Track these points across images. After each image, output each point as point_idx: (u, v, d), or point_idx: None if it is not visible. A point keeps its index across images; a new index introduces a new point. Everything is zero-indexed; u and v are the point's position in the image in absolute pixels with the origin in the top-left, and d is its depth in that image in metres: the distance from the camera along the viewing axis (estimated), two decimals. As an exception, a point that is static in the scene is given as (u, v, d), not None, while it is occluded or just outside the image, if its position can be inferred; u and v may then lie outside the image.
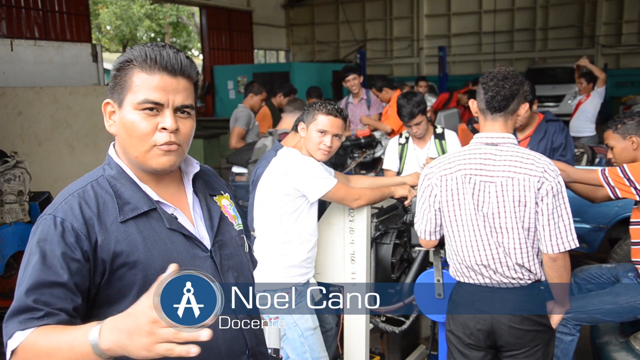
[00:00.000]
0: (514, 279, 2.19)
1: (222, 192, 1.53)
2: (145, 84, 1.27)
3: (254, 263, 1.69)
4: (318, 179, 2.58)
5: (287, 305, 2.53)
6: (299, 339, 2.56)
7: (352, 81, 6.38)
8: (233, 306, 1.38)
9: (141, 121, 1.27)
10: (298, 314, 2.58)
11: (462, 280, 2.29)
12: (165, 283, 1.01)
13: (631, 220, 2.83)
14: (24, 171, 4.22)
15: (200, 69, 18.62)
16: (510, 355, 2.24)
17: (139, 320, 1.00)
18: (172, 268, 1.03)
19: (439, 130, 3.91)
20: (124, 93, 1.29)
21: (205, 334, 1.02)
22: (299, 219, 2.62)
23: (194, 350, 1.00)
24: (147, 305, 1.00)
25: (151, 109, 1.27)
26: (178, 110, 1.30)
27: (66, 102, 5.50)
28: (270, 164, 2.67)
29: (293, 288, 2.58)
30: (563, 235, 2.12)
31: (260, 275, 2.52)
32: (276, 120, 6.50)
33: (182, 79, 1.30)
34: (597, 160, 5.32)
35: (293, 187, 2.59)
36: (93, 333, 1.05)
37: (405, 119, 3.74)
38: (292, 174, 2.59)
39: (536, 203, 2.11)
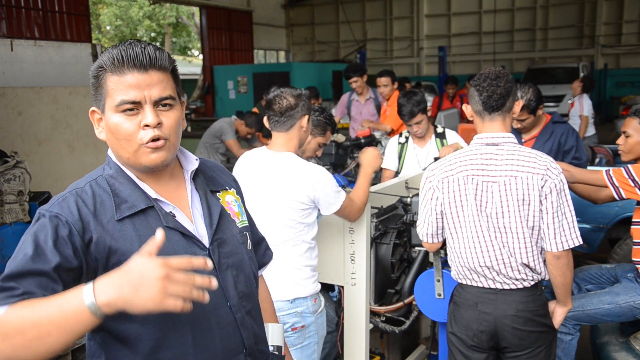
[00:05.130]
0: (517, 279, 2.19)
1: (227, 187, 1.51)
2: (119, 85, 1.26)
3: (267, 257, 1.71)
4: (338, 193, 2.42)
5: (317, 310, 2.49)
6: (313, 346, 2.51)
7: (355, 84, 6.32)
8: (231, 305, 1.38)
9: (124, 122, 1.27)
10: (320, 321, 2.52)
11: (464, 282, 2.29)
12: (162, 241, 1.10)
13: (633, 220, 2.83)
14: (24, 171, 4.22)
15: (200, 69, 18.59)
16: (513, 357, 2.24)
17: (146, 276, 1.04)
18: (161, 233, 1.10)
19: (439, 129, 3.90)
20: (104, 99, 1.29)
21: (215, 283, 1.10)
22: (314, 226, 2.50)
23: (215, 284, 1.10)
24: (151, 262, 1.05)
25: (130, 109, 1.27)
26: (158, 104, 1.29)
27: (66, 102, 5.49)
28: (273, 171, 2.45)
29: (319, 293, 2.52)
30: (567, 233, 2.12)
31: (286, 287, 2.41)
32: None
33: (154, 72, 1.28)
34: (597, 160, 5.33)
35: (310, 198, 2.38)
36: (87, 292, 1.05)
37: (405, 118, 3.73)
38: (312, 184, 2.37)
39: (540, 201, 2.11)
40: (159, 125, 1.28)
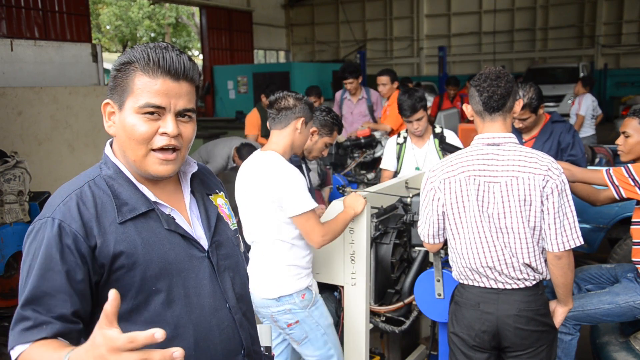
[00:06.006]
0: (519, 279, 2.19)
1: (217, 191, 1.52)
2: (147, 87, 1.24)
3: (245, 260, 1.70)
4: (304, 200, 2.42)
5: (309, 305, 2.53)
6: (322, 337, 2.56)
7: (350, 85, 6.24)
8: (230, 306, 1.38)
9: (142, 124, 1.25)
10: (318, 313, 2.57)
11: (466, 283, 2.28)
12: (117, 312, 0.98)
13: (632, 220, 2.82)
14: (24, 171, 4.22)
15: (200, 69, 18.54)
16: (515, 356, 2.24)
17: None
18: (113, 295, 0.98)
19: (437, 129, 3.88)
20: (125, 95, 1.26)
21: (159, 334, 0.97)
22: (292, 225, 2.51)
23: (158, 336, 0.96)
24: (104, 345, 0.96)
25: (152, 112, 1.25)
26: (179, 114, 1.28)
27: (66, 102, 5.49)
28: (253, 168, 2.56)
29: (307, 288, 2.57)
30: (568, 233, 2.12)
31: (270, 285, 2.48)
32: (266, 124, 6.42)
33: (184, 83, 1.28)
34: (597, 160, 5.33)
35: (274, 195, 2.43)
36: None
37: (407, 113, 3.67)
38: (277, 183, 2.43)
39: (541, 202, 2.11)
40: (176, 136, 1.28)
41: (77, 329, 1.20)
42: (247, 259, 1.75)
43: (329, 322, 2.62)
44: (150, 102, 1.24)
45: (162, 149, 1.27)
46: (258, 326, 1.65)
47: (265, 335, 1.71)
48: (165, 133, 1.26)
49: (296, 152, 2.66)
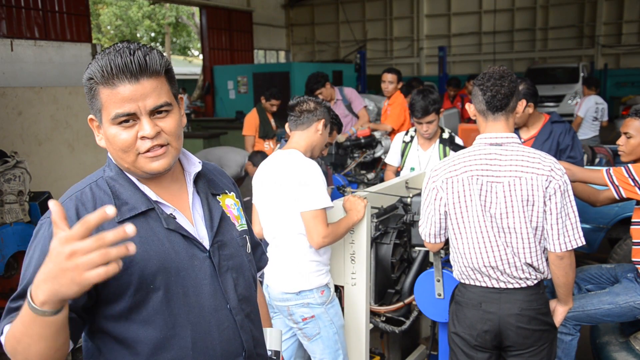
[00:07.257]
0: (520, 279, 2.19)
1: (226, 191, 1.51)
2: (111, 98, 1.24)
3: (264, 261, 1.69)
4: (321, 196, 2.48)
5: (326, 302, 2.57)
6: (333, 336, 2.60)
7: (322, 95, 5.91)
8: (231, 307, 1.38)
9: (121, 133, 1.26)
10: (333, 311, 2.61)
11: (467, 282, 2.28)
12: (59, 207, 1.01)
13: (632, 220, 2.83)
14: (24, 171, 4.22)
15: (200, 69, 18.55)
16: (516, 355, 2.24)
17: (56, 263, 0.99)
18: (55, 204, 1.01)
19: (445, 135, 3.80)
20: (99, 111, 1.27)
21: (129, 229, 0.98)
22: None
23: (130, 230, 0.99)
24: (57, 244, 0.99)
25: (127, 120, 1.25)
26: (154, 112, 1.27)
27: (66, 102, 5.49)
28: (274, 165, 2.63)
29: (326, 285, 2.61)
30: (570, 234, 2.13)
31: (291, 279, 2.53)
32: (264, 125, 6.37)
33: (146, 81, 1.25)
34: (597, 160, 5.33)
35: (296, 190, 2.50)
36: (28, 297, 1.04)
37: (418, 114, 3.60)
38: (297, 177, 2.50)
39: (544, 202, 2.11)
40: (158, 134, 1.27)
41: (70, 317, 1.18)
42: (265, 261, 1.73)
43: (341, 323, 2.66)
44: (119, 112, 1.24)
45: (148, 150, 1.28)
46: (268, 330, 1.64)
47: (275, 339, 1.69)
48: (143, 136, 1.26)
49: (315, 153, 2.71)
